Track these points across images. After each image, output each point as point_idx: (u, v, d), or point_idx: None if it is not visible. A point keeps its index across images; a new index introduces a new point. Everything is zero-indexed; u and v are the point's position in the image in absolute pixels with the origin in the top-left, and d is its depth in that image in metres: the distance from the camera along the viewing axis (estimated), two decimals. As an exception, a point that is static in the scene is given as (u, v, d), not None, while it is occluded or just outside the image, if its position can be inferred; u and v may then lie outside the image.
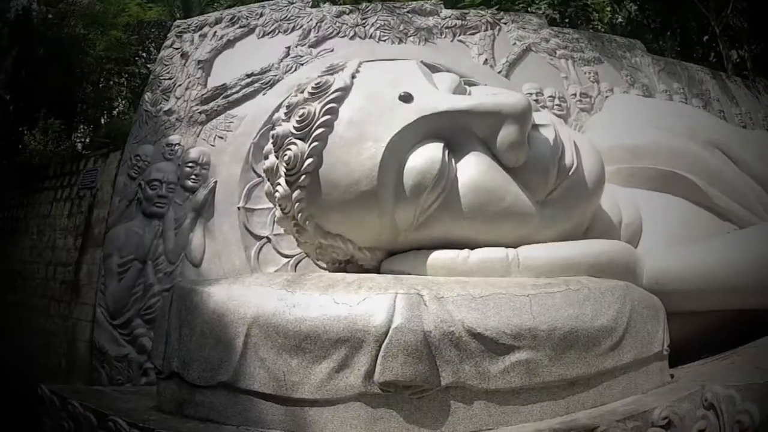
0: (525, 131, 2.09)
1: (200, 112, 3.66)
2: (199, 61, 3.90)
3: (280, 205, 2.22)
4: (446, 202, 2.03)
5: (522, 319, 1.64)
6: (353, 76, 2.20)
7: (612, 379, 1.89)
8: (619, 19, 8.80)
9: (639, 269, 2.36)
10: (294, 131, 2.06)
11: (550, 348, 1.69)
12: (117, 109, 5.59)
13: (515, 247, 2.11)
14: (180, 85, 3.83)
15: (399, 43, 3.92)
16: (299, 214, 2.13)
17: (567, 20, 5.22)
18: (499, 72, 3.94)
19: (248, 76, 3.75)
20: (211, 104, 3.68)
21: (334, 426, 1.57)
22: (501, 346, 1.60)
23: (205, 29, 4.15)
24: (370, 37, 3.97)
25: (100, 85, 5.10)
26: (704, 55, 8.83)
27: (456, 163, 2.08)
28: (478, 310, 1.59)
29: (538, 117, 2.28)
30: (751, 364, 2.04)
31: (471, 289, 1.66)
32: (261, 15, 4.16)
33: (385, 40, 3.94)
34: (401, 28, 4.00)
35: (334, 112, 2.05)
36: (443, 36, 4.05)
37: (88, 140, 4.74)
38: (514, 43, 4.18)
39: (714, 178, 3.35)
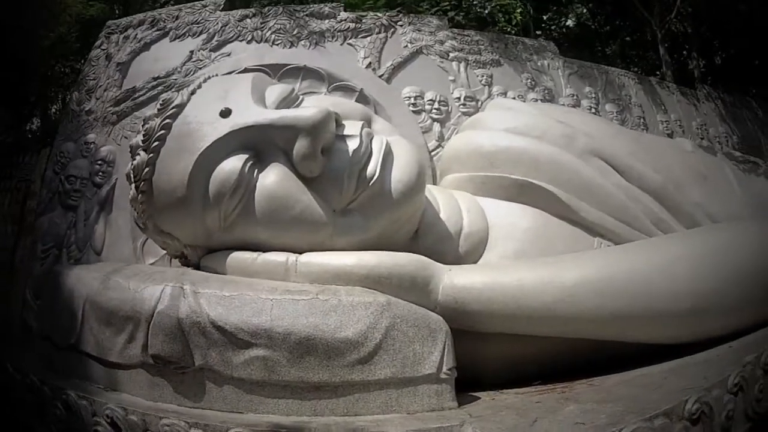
0: (317, 144, 2.34)
1: (113, 113, 4.22)
2: (118, 63, 4.45)
3: (131, 205, 2.71)
4: (245, 209, 2.38)
5: (260, 319, 2.01)
6: (192, 93, 2.60)
7: (366, 392, 2.06)
8: (568, 22, 8.98)
9: (433, 285, 2.37)
10: (140, 143, 2.55)
11: (286, 350, 1.98)
12: (58, 105, 6.19)
13: (311, 251, 2.38)
14: (101, 86, 4.39)
15: (290, 47, 4.38)
16: (142, 214, 2.62)
17: (473, 23, 5.52)
18: (381, 75, 4.33)
19: (154, 79, 4.27)
20: (122, 106, 4.23)
21: (129, 386, 2.24)
22: (240, 340, 2.00)
23: (129, 31, 4.65)
24: (266, 41, 4.42)
25: (47, 81, 5.66)
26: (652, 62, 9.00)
27: (259, 173, 2.40)
28: (224, 306, 2.05)
29: (348, 128, 2.56)
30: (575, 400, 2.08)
31: (225, 287, 2.17)
32: (176, 18, 4.63)
33: (278, 44, 4.40)
34: (295, 31, 4.45)
35: (168, 128, 2.46)
36: (334, 39, 4.48)
37: (38, 133, 5.37)
38: (406, 46, 4.57)
39: (583, 189, 3.30)
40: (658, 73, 8.72)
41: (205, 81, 2.78)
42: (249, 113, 2.43)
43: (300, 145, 2.35)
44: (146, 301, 2.19)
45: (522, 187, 3.20)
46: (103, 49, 4.56)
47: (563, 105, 5.03)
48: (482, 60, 4.84)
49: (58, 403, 2.25)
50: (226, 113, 2.45)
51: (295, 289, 2.18)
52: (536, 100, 4.82)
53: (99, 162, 4.03)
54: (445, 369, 2.13)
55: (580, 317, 2.46)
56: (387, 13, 4.82)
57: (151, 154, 2.49)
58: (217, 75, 3.34)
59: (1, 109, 5.52)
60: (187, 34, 4.54)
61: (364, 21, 4.61)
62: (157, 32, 4.58)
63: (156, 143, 2.48)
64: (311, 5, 4.82)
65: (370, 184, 2.43)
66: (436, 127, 4.29)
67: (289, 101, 2.62)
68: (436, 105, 4.37)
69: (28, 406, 2.43)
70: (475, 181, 3.31)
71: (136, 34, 4.58)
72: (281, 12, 4.59)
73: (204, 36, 4.49)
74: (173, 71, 4.32)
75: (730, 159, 5.09)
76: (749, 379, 2.09)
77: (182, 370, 2.15)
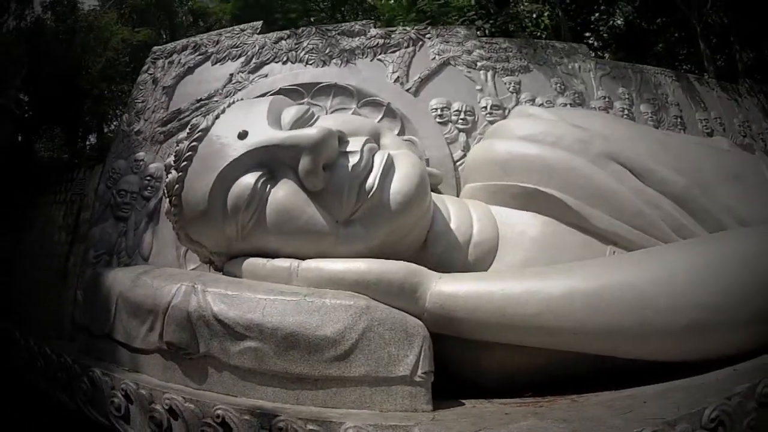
0: (318, 161, 2.62)
1: (160, 133, 4.72)
2: (164, 87, 4.97)
3: (167, 217, 3.23)
4: (258, 220, 2.72)
5: (254, 315, 2.30)
6: (217, 117, 3.01)
7: (342, 387, 2.25)
8: (617, 22, 8.82)
9: (421, 292, 2.52)
10: (172, 163, 3.01)
11: (274, 343, 2.24)
12: (112, 125, 6.92)
13: (317, 258, 2.65)
14: (149, 108, 4.92)
15: (323, 66, 4.70)
16: (176, 225, 3.09)
17: (495, 31, 5.58)
18: (409, 89, 4.53)
19: (198, 101, 4.73)
20: (168, 126, 4.71)
21: (147, 368, 2.60)
22: (236, 333, 2.30)
23: (174, 56, 5.18)
24: (300, 60, 4.77)
25: (99, 102, 6.37)
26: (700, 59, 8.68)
27: (271, 188, 2.72)
28: (226, 303, 2.37)
29: (352, 144, 2.83)
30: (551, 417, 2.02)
31: (229, 287, 2.48)
32: (217, 42, 5.11)
33: (311, 63, 4.73)
34: (327, 50, 4.78)
35: (194, 149, 2.89)
36: (365, 56, 4.76)
37: (88, 150, 6.03)
38: (434, 58, 4.76)
39: (596, 195, 3.28)
40: (697, 71, 8.35)
41: (229, 106, 3.18)
42: (262, 135, 2.77)
43: (303, 162, 2.64)
44: (164, 296, 2.56)
45: (532, 195, 3.25)
46: (150, 74, 5.12)
47: (594, 108, 5.02)
48: (510, 67, 4.93)
49: (85, 378, 2.64)
50: (243, 135, 2.80)
51: (288, 291, 2.47)
52: (565, 105, 4.84)
53: (148, 178, 4.51)
54: (419, 372, 2.26)
55: (566, 330, 2.47)
56: (415, 27, 5.05)
57: (180, 173, 2.91)
58: (243, 99, 3.77)
59: (58, 129, 6.26)
60: (227, 58, 4.99)
61: (393, 36, 4.87)
62: (200, 56, 5.08)
63: (184, 163, 2.90)
64: (342, 24, 5.13)
65: (369, 196, 2.68)
66: (462, 137, 4.40)
67: (302, 121, 2.93)
68: (462, 115, 4.49)
69: (61, 382, 2.82)
70: (489, 190, 3.44)
71: (180, 59, 5.10)
72: (314, 32, 4.96)
73: (243, 59, 4.92)
74: (215, 93, 4.76)
75: None
76: (734, 414, 1.88)
77: (189, 356, 2.48)
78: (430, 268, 2.73)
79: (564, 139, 3.41)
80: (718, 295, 2.48)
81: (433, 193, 3.28)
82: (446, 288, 2.55)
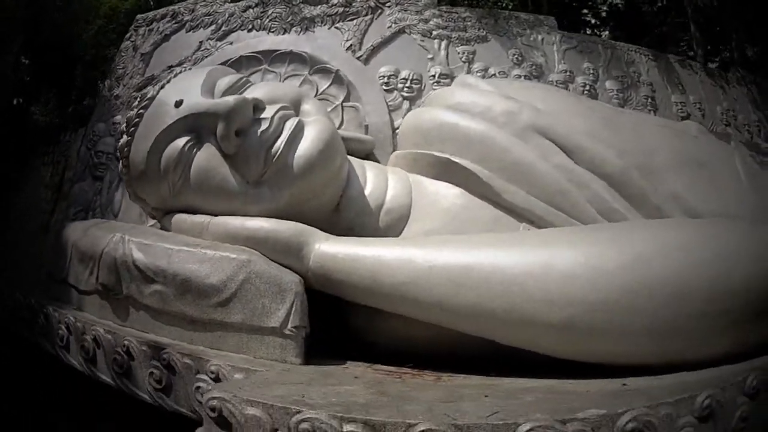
0: (230, 127, 2.97)
1: (135, 98, 5.25)
2: (143, 54, 5.49)
3: (120, 175, 3.76)
4: (185, 180, 3.13)
5: (161, 262, 2.79)
6: (162, 87, 3.43)
7: (224, 332, 2.65)
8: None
9: (305, 252, 2.80)
10: (124, 128, 3.50)
11: (174, 287, 2.70)
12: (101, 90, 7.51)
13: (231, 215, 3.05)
14: (128, 74, 5.48)
15: (283, 34, 5.06)
16: (127, 183, 3.63)
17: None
18: (360, 57, 4.82)
19: (169, 68, 5.10)
20: (142, 92, 5.23)
21: (89, 307, 3.20)
22: (148, 277, 2.79)
23: (153, 24, 5.67)
24: (264, 28, 5.15)
25: (90, 68, 6.96)
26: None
27: (197, 151, 3.11)
28: (143, 251, 2.89)
29: (268, 111, 3.16)
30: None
31: (149, 239, 3.00)
32: (192, 11, 5.54)
33: (273, 31, 5.10)
34: (289, 18, 5.14)
35: (141, 116, 3.34)
36: (324, 24, 5.08)
37: (73, 113, 6.65)
38: (389, 26, 5.02)
39: (513, 170, 3.29)
40: (692, 52, 8.19)
41: (175, 75, 3.63)
42: (193, 103, 3.16)
43: (219, 128, 3.03)
44: (101, 245, 3.14)
45: (446, 165, 3.39)
46: (132, 41, 5.65)
47: (553, 82, 5.17)
48: (466, 37, 5.13)
49: (41, 315, 3.31)
50: (178, 103, 3.21)
51: (192, 243, 2.96)
52: (520, 77, 5.02)
53: (122, 140, 5.04)
54: (290, 326, 2.59)
55: (430, 304, 2.56)
56: None
57: (129, 137, 3.42)
58: (189, 68, 4.20)
59: (50, 93, 6.91)
60: (200, 26, 5.44)
61: (353, 4, 5.17)
62: (176, 24, 5.54)
63: (132, 128, 3.39)
64: None
65: (275, 159, 3.03)
66: (406, 104, 4.66)
67: (232, 90, 3.30)
68: (408, 83, 4.74)
69: (26, 320, 3.49)
70: (409, 158, 3.68)
71: (159, 27, 5.59)
72: (279, 1, 5.30)
73: (213, 27, 5.35)
74: (185, 60, 5.21)
75: (750, 149, 4.83)
76: (727, 404, 1.83)
77: (116, 296, 3.08)
78: (340, 233, 3.06)
79: (492, 109, 3.51)
80: (601, 291, 2.37)
81: (353, 159, 3.66)
82: (328, 249, 2.82)
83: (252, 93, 3.30)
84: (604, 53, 5.70)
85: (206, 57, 5.10)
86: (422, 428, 1.52)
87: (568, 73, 5.34)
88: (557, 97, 3.93)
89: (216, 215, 3.14)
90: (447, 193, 3.39)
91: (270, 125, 3.09)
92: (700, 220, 3.13)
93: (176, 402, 2.48)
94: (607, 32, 10.08)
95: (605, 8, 10.01)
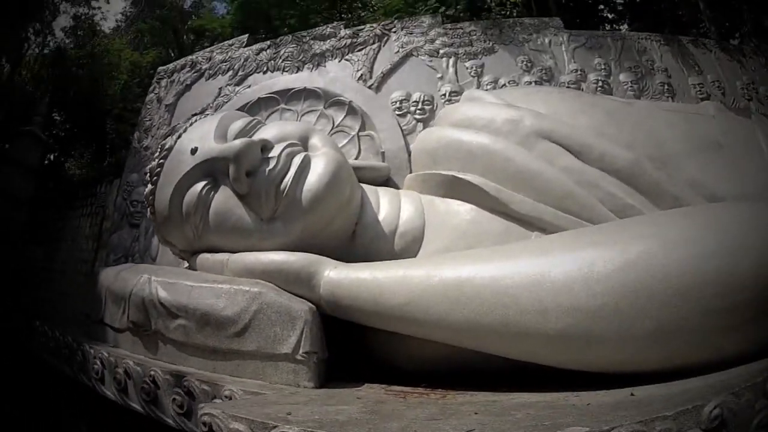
0: (240, 169, 3.21)
1: (164, 148, 5.71)
2: (167, 105, 5.98)
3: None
4: (205, 223, 3.41)
5: (183, 299, 3.02)
6: (179, 136, 3.76)
7: (242, 360, 2.83)
8: None
9: (316, 281, 2.94)
10: (147, 177, 3.89)
11: (195, 321, 2.93)
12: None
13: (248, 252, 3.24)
14: (155, 126, 5.97)
15: (297, 72, 5.44)
16: (155, 229, 4.00)
17: (463, 16, 5.91)
18: (371, 85, 5.11)
19: (193, 115, 5.57)
20: (163, 142, 5.66)
21: (123, 343, 3.48)
22: (172, 313, 3.03)
23: (174, 75, 6.19)
24: (278, 69, 5.55)
25: (120, 121, 7.60)
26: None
27: (214, 194, 3.37)
28: (167, 290, 3.16)
29: (275, 150, 3.37)
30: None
31: (172, 278, 3.27)
32: (210, 59, 6.03)
33: (287, 71, 5.49)
34: (300, 56, 5.52)
35: (162, 166, 3.69)
36: (334, 57, 5.43)
37: (107, 167, 7.27)
38: (397, 51, 5.31)
39: (518, 178, 3.35)
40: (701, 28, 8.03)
41: (191, 124, 3.95)
42: (207, 149, 3.45)
43: (231, 171, 3.29)
44: (130, 286, 3.44)
45: (452, 182, 3.52)
46: (156, 93, 6.15)
47: (564, 83, 5.28)
48: (473, 51, 5.33)
49: (79, 352, 3.61)
50: (194, 151, 3.50)
51: (210, 279, 3.19)
52: (531, 83, 5.18)
53: (155, 188, 5.49)
54: (301, 352, 2.73)
55: (431, 322, 2.61)
56: (382, 23, 5.61)
57: (153, 186, 3.77)
58: (216, 112, 4.57)
59: (85, 148, 7.57)
60: (218, 73, 5.91)
61: (360, 35, 5.50)
62: (195, 74, 6.04)
63: (155, 178, 3.74)
64: (316, 29, 5.81)
65: (284, 195, 3.24)
66: (420, 127, 4.86)
67: (244, 132, 3.55)
68: (420, 105, 4.99)
69: (66, 356, 3.83)
70: (419, 179, 3.83)
71: (180, 77, 6.10)
72: (290, 40, 5.72)
73: (230, 73, 5.81)
74: (207, 107, 5.68)
75: None
76: (740, 412, 1.68)
77: (146, 332, 3.33)
78: (358, 259, 3.18)
79: (494, 121, 3.62)
80: (598, 297, 2.31)
81: (366, 186, 3.85)
82: (335, 276, 2.94)
83: (261, 134, 3.55)
84: (615, 46, 5.80)
85: (226, 102, 5.51)
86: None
87: (579, 72, 5.47)
88: (558, 98, 3.97)
89: (236, 252, 3.35)
90: (457, 210, 3.50)
91: (278, 163, 3.30)
92: (706, 206, 3.09)
93: (196, 425, 2.70)
94: (625, 26, 10.07)
95: (621, 1, 10.01)
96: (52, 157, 7.31)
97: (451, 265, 2.75)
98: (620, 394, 2.13)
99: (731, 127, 4.05)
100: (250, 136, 3.52)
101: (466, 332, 2.55)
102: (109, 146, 7.47)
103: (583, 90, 5.32)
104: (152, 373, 2.96)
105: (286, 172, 3.30)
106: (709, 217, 2.64)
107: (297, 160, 3.36)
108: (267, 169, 3.29)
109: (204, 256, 3.54)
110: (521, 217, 3.35)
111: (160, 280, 3.30)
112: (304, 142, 3.64)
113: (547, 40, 5.62)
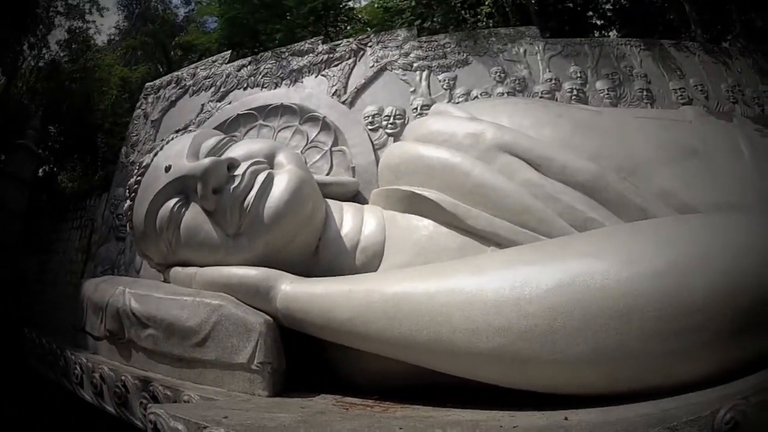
0: (207, 187, 3.46)
1: (149, 162, 6.13)
2: (152, 121, 6.38)
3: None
4: (177, 238, 3.67)
5: (152, 310, 3.34)
6: (155, 155, 4.07)
7: (203, 368, 3.10)
8: None
9: (272, 294, 3.18)
10: (127, 193, 4.25)
11: (162, 331, 3.25)
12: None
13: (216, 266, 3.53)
14: (141, 141, 6.37)
15: (275, 88, 5.80)
16: (134, 243, 4.41)
17: (439, 28, 6.20)
18: (345, 101, 5.44)
19: (176, 131, 5.99)
20: (141, 159, 6.05)
21: (102, 350, 3.86)
22: (142, 323, 3.36)
23: (161, 91, 6.59)
24: (257, 85, 5.91)
25: (110, 136, 8.09)
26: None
27: (185, 211, 3.64)
28: (138, 301, 3.52)
29: (240, 168, 3.60)
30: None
31: (144, 290, 3.62)
32: (194, 75, 6.42)
33: (266, 87, 5.86)
34: (279, 72, 5.88)
35: (139, 183, 4.02)
36: (311, 73, 5.77)
37: (98, 180, 7.74)
38: (372, 66, 5.63)
39: (476, 194, 3.47)
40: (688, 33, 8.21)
41: (167, 143, 4.27)
42: (179, 168, 3.73)
43: (198, 188, 3.57)
44: (107, 297, 3.81)
45: (411, 198, 3.70)
46: (142, 109, 6.56)
47: (538, 93, 5.53)
48: (447, 63, 5.62)
49: (62, 358, 4.00)
50: (167, 169, 3.79)
51: (178, 292, 3.52)
52: (503, 94, 5.44)
53: (138, 202, 5.91)
54: (256, 362, 2.96)
55: (372, 337, 2.78)
56: (358, 38, 5.92)
57: (131, 202, 4.11)
58: (188, 132, 4.96)
59: (77, 161, 8.06)
60: (201, 89, 6.30)
61: (337, 50, 5.84)
62: (180, 90, 6.44)
63: (133, 194, 4.08)
64: (295, 45, 6.16)
65: (247, 212, 3.49)
66: (390, 141, 5.14)
67: (214, 151, 3.85)
68: (391, 120, 5.31)
69: (51, 362, 4.24)
70: (382, 195, 4.04)
71: (165, 94, 6.49)
72: (270, 56, 6.06)
73: (213, 89, 6.19)
74: (190, 123, 6.06)
75: (758, 123, 4.69)
76: (753, 415, 1.68)
77: (120, 340, 3.70)
78: (322, 273, 3.44)
79: (456, 135, 3.77)
80: (529, 317, 2.37)
81: (332, 201, 4.10)
82: (290, 290, 3.17)
83: (230, 152, 3.84)
84: (592, 53, 6.01)
85: (208, 119, 5.87)
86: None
87: (553, 82, 5.72)
88: (524, 110, 4.11)
89: (205, 266, 3.64)
90: (417, 225, 3.67)
91: (242, 181, 3.54)
92: (661, 220, 3.13)
93: (160, 426, 3.10)
94: (614, 32, 10.33)
95: (609, 7, 10.26)
96: (45, 169, 7.81)
97: (393, 281, 2.93)
98: (555, 417, 2.16)
99: (710, 133, 4.17)
100: (221, 155, 3.80)
101: (404, 348, 2.69)
102: (100, 160, 7.94)
103: (557, 99, 5.56)
104: (123, 378, 3.34)
105: (250, 190, 3.54)
106: (662, 233, 2.64)
107: (260, 178, 3.59)
108: (232, 187, 3.54)
109: (176, 270, 3.85)
110: (477, 232, 3.48)
111: (133, 292, 3.64)
112: (270, 160, 3.88)
113: (522, 50, 5.87)
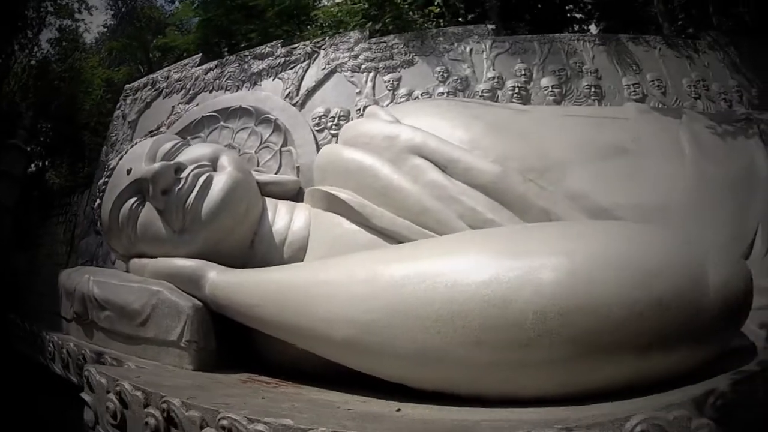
0: (156, 188, 4.18)
1: (125, 161, 7.12)
2: (130, 122, 7.35)
3: None
4: (135, 233, 4.40)
5: (109, 295, 4.13)
6: (121, 158, 4.92)
7: (146, 345, 3.87)
8: None
9: (203, 282, 3.86)
10: (97, 193, 5.26)
11: (115, 313, 4.03)
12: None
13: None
14: (119, 141, 7.33)
15: (237, 91, 6.61)
16: (103, 236, 5.42)
17: (392, 29, 6.68)
18: (296, 102, 6.17)
19: (150, 132, 6.92)
20: (109, 162, 7.01)
21: (72, 331, 4.81)
22: (102, 306, 4.12)
23: (138, 93, 7.55)
24: (222, 88, 6.75)
25: (95, 134, 9.16)
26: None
27: (141, 209, 4.37)
28: (99, 287, 4.39)
29: (186, 170, 4.33)
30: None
31: (104, 277, 4.55)
32: (167, 77, 7.34)
33: (229, 90, 6.69)
34: (240, 76, 6.73)
35: (106, 184, 4.88)
36: (269, 76, 6.57)
37: (81, 177, 8.83)
38: (324, 68, 6.36)
39: (383, 195, 3.99)
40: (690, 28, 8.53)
41: (132, 147, 5.21)
42: (137, 170, 4.48)
43: (150, 190, 4.34)
44: (75, 284, 4.73)
45: (328, 197, 4.33)
46: (121, 110, 7.53)
47: (479, 91, 6.08)
48: (393, 64, 6.25)
49: (39, 337, 5.05)
50: (128, 171, 4.55)
51: (130, 279, 4.41)
52: (444, 94, 6.04)
53: (114, 199, 6.92)
54: (184, 340, 3.74)
55: (267, 322, 3.45)
56: (314, 41, 6.68)
57: (100, 201, 5.03)
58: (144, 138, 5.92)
59: (64, 159, 9.17)
60: (173, 91, 7.20)
61: (294, 53, 6.62)
62: (155, 92, 7.37)
63: (101, 194, 4.97)
64: (257, 48, 6.95)
65: (188, 210, 4.25)
66: (334, 142, 5.64)
67: (169, 155, 4.65)
68: (336, 121, 5.93)
69: (31, 342, 5.30)
70: (309, 195, 4.70)
71: (142, 95, 7.43)
72: (234, 60, 6.91)
73: (183, 92, 7.06)
74: (161, 125, 6.94)
75: (719, 119, 5.08)
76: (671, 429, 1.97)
77: (85, 321, 4.66)
78: (256, 266, 4.04)
79: (375, 138, 4.36)
80: (372, 312, 2.82)
81: (270, 199, 4.86)
82: (217, 278, 3.87)
83: (181, 156, 4.66)
84: (541, 50, 6.44)
85: (176, 120, 6.69)
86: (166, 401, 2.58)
87: (496, 80, 6.21)
88: (443, 112, 4.67)
89: (156, 257, 4.47)
90: (333, 222, 4.28)
91: (186, 182, 4.31)
92: (514, 227, 3.60)
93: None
94: (592, 26, 10.82)
95: (590, 1, 10.75)
96: (35, 166, 8.91)
97: (288, 271, 3.67)
98: (389, 407, 2.66)
99: (647, 131, 4.56)
100: (174, 158, 4.60)
101: (290, 334, 3.36)
102: (86, 158, 8.99)
103: (498, 98, 6.11)
104: (83, 352, 4.34)
105: (192, 191, 4.29)
106: (503, 240, 3.01)
107: (201, 180, 4.35)
108: (177, 188, 4.32)
109: (134, 261, 4.73)
110: (382, 230, 4.01)
111: (95, 279, 4.56)
112: (214, 163, 4.66)
113: (468, 49, 6.41)
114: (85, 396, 3.30)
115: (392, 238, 3.92)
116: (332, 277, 3.22)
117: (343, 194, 4.24)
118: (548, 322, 2.43)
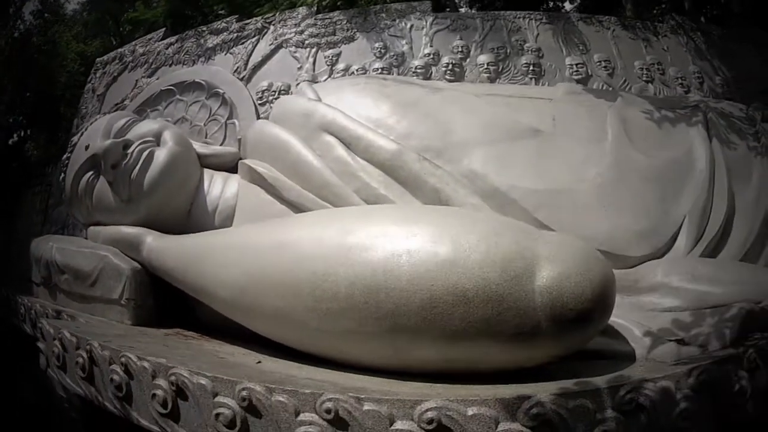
0: (107, 163, 4.95)
1: (93, 134, 8.07)
2: (98, 95, 8.17)
3: None
4: (91, 204, 5.39)
5: (66, 259, 5.18)
6: (81, 134, 5.88)
7: (96, 303, 4.79)
8: None
9: (142, 246, 4.66)
10: (61, 167, 6.30)
11: (71, 275, 5.04)
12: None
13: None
14: (88, 114, 8.17)
15: (193, 65, 7.35)
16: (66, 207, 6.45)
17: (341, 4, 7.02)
18: (243, 77, 6.80)
19: (115, 105, 7.70)
20: (72, 138, 7.83)
21: (41, 295, 5.91)
22: (61, 270, 5.18)
23: (107, 67, 8.33)
24: (180, 62, 7.47)
25: (70, 107, 10.08)
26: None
27: (96, 182, 5.20)
28: (60, 254, 5.39)
29: (133, 146, 5.12)
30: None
31: (65, 244, 5.57)
32: (133, 52, 8.06)
33: (186, 64, 7.40)
34: (197, 51, 7.44)
35: (68, 158, 5.89)
36: (222, 51, 7.26)
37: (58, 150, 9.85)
38: (271, 44, 7.00)
39: (292, 169, 4.54)
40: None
41: (91, 123, 6.20)
42: (92, 147, 5.46)
43: (102, 164, 5.33)
44: (41, 251, 5.77)
45: (250, 170, 5.02)
46: (91, 84, 8.33)
47: (413, 68, 6.62)
48: (334, 40, 6.84)
49: (13, 301, 6.15)
50: (87, 147, 5.55)
51: (84, 245, 5.40)
52: (379, 69, 6.61)
53: (83, 169, 7.93)
54: (123, 298, 4.63)
55: (182, 282, 4.26)
56: (264, 16, 7.31)
57: (63, 174, 6.00)
58: (104, 114, 6.87)
59: (39, 132, 10.18)
60: (138, 65, 7.94)
61: (246, 28, 7.29)
62: (122, 66, 8.13)
63: (65, 168, 5.92)
64: (213, 23, 7.62)
65: (133, 182, 5.10)
66: None
67: (122, 131, 5.50)
68: (276, 95, 6.46)
69: (8, 307, 6.42)
70: (240, 167, 5.36)
71: (110, 69, 8.21)
72: (192, 35, 7.63)
73: (146, 66, 7.80)
74: (126, 98, 7.69)
75: (666, 104, 5.43)
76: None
77: (49, 285, 5.71)
78: (192, 232, 4.79)
79: (295, 116, 4.99)
80: (239, 277, 3.68)
81: (207, 170, 5.63)
82: (151, 244, 4.69)
83: (130, 133, 5.47)
84: (482, 27, 6.90)
85: (138, 94, 7.42)
86: (96, 345, 3.56)
87: (431, 57, 6.67)
88: (359, 90, 5.25)
89: (108, 225, 5.40)
90: (254, 193, 4.92)
91: (131, 157, 5.12)
92: (365, 208, 4.21)
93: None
94: (566, 3, 10.98)
95: None
96: (14, 138, 9.93)
97: (202, 238, 4.45)
98: (251, 357, 3.69)
99: (569, 112, 4.95)
100: (125, 135, 5.41)
101: (194, 292, 4.17)
102: (62, 130, 9.94)
103: (432, 74, 6.62)
104: (47, 312, 5.42)
105: (136, 165, 5.09)
106: (347, 219, 3.59)
107: (144, 155, 5.15)
108: (124, 163, 5.11)
109: (91, 228, 5.64)
110: (291, 202, 4.63)
111: (57, 246, 5.55)
112: (158, 138, 5.45)
113: (408, 25, 6.91)
114: (40, 344, 4.33)
115: (299, 209, 4.53)
116: (227, 241, 4.03)
117: (261, 168, 4.93)
118: (355, 298, 2.98)
